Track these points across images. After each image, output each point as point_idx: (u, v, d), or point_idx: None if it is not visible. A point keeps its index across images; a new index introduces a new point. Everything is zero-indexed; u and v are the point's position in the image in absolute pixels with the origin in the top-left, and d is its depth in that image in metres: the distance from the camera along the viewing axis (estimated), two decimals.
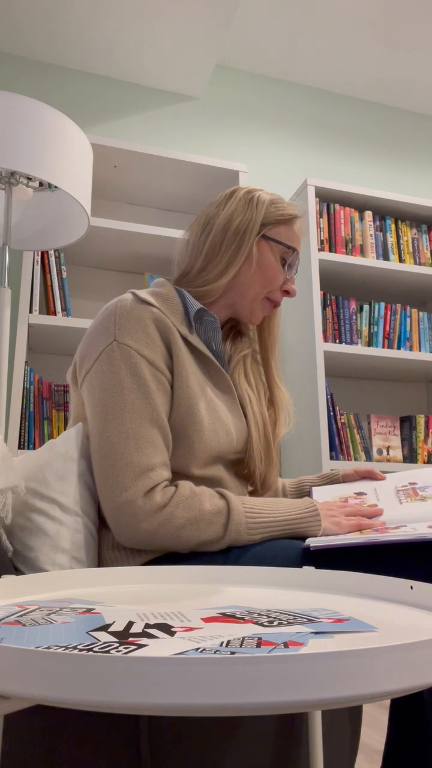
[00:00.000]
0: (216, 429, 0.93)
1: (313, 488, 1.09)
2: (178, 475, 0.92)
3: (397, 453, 2.36)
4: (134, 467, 0.84)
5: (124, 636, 0.39)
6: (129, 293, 0.95)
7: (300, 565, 0.79)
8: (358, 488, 1.04)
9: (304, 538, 0.87)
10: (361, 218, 2.45)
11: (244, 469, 1.02)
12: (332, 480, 1.15)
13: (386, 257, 2.45)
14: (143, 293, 0.95)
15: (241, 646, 0.36)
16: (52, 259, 2.06)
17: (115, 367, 0.88)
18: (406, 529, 0.79)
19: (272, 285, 1.04)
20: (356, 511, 0.91)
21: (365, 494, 1.01)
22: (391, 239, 2.47)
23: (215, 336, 1.00)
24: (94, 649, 0.35)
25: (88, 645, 0.36)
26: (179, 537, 0.83)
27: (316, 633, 0.40)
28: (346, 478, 1.13)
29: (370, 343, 2.36)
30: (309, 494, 1.09)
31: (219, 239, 1.01)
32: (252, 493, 1.06)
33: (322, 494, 1.05)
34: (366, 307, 2.39)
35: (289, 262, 1.04)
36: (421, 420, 2.39)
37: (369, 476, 1.09)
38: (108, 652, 0.34)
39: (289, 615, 0.46)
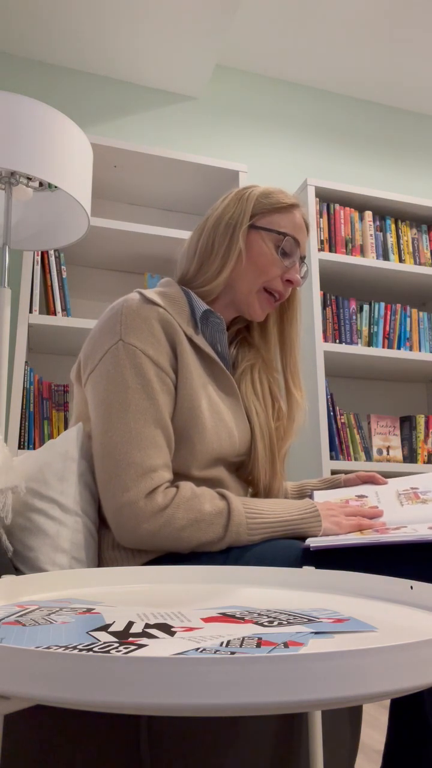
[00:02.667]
0: (218, 431, 0.93)
1: (315, 492, 1.09)
2: (179, 476, 0.91)
3: (397, 453, 2.36)
4: (136, 468, 0.84)
5: (124, 636, 0.39)
6: (135, 293, 0.95)
7: (300, 565, 0.79)
8: (360, 492, 1.04)
9: (304, 538, 0.87)
10: (361, 218, 2.45)
11: (247, 474, 1.02)
12: (334, 484, 1.15)
13: (386, 257, 2.45)
14: (150, 293, 0.94)
15: (241, 646, 0.36)
16: (52, 259, 2.06)
17: (119, 366, 0.88)
18: (407, 530, 0.79)
19: (267, 275, 1.00)
20: (356, 511, 0.91)
21: (366, 497, 1.01)
22: (391, 239, 2.47)
23: (221, 337, 1.00)
24: (94, 649, 0.35)
25: (88, 645, 0.36)
26: (180, 538, 0.82)
27: (316, 633, 0.40)
28: (347, 483, 1.12)
29: (370, 343, 2.36)
30: (310, 498, 1.09)
31: (211, 238, 1.01)
32: (254, 496, 1.06)
33: (324, 498, 1.05)
34: (366, 307, 2.39)
35: (284, 248, 1.00)
36: (421, 420, 2.39)
37: (371, 481, 1.09)
38: (108, 652, 0.34)
39: (289, 615, 0.46)
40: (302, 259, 1.05)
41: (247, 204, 1.01)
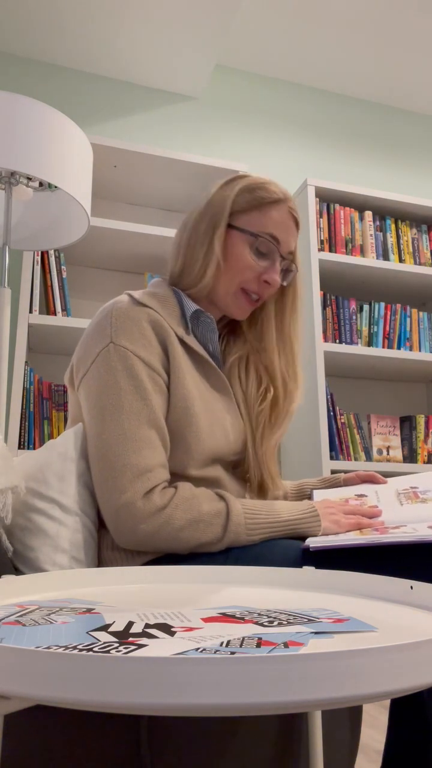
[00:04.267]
0: (213, 430, 0.93)
1: (314, 491, 1.09)
2: (176, 476, 0.91)
3: (397, 453, 2.36)
4: (132, 469, 0.84)
5: (124, 636, 0.39)
6: (125, 295, 0.95)
7: (300, 565, 0.79)
8: (359, 491, 1.04)
9: (303, 538, 0.87)
10: (361, 218, 2.45)
11: (244, 471, 1.02)
12: (334, 484, 1.14)
13: (386, 257, 2.45)
14: (139, 294, 0.94)
15: (241, 646, 0.36)
16: (52, 259, 2.06)
17: (111, 369, 0.87)
18: (406, 529, 0.79)
19: (242, 276, 0.98)
20: (356, 510, 0.91)
21: (366, 496, 1.01)
22: (391, 239, 2.47)
23: (212, 337, 1.00)
24: (94, 649, 0.35)
25: (88, 645, 0.36)
26: (179, 538, 0.82)
27: (316, 633, 0.40)
28: (347, 482, 1.12)
29: (370, 343, 2.36)
30: (310, 497, 1.09)
31: (192, 240, 0.99)
32: (253, 493, 1.06)
33: (323, 497, 1.05)
34: (366, 307, 2.39)
35: (259, 249, 0.97)
36: (421, 420, 2.39)
37: (370, 480, 1.09)
38: (108, 652, 0.34)
39: (289, 615, 0.46)
40: (290, 255, 1.01)
41: (227, 201, 0.98)
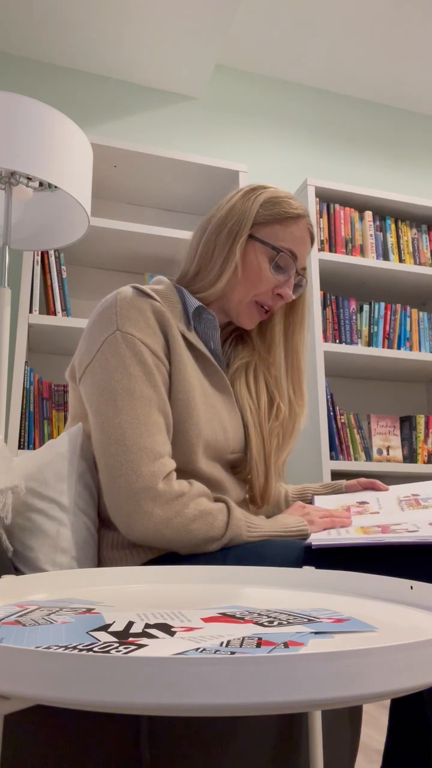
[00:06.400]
0: (212, 423, 0.93)
1: (316, 497, 1.09)
2: (181, 473, 0.91)
3: (397, 453, 2.36)
4: (149, 453, 0.84)
5: (124, 636, 0.39)
6: (128, 286, 0.95)
7: (300, 565, 0.79)
8: (361, 498, 1.05)
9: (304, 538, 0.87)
10: (361, 218, 2.45)
11: (245, 473, 1.02)
12: (335, 490, 1.15)
13: (386, 257, 2.45)
14: (143, 287, 0.95)
15: (241, 646, 0.36)
16: (52, 259, 2.06)
17: (120, 355, 0.87)
18: (408, 526, 0.79)
19: (258, 288, 0.99)
20: (327, 513, 0.92)
21: (367, 503, 1.01)
22: (391, 239, 2.47)
23: (213, 334, 1.00)
24: (94, 649, 0.35)
25: (88, 645, 0.36)
26: (189, 530, 0.83)
27: (316, 633, 0.40)
28: (349, 489, 1.13)
29: (370, 343, 2.36)
30: (311, 503, 1.09)
31: (211, 245, 1.00)
32: (251, 503, 1.06)
33: (325, 503, 1.05)
34: (366, 307, 2.39)
35: (278, 263, 0.99)
36: (421, 420, 2.39)
37: (372, 487, 1.09)
38: (108, 652, 0.34)
39: (289, 615, 0.46)
40: (302, 270, 1.03)
41: (250, 211, 0.99)
